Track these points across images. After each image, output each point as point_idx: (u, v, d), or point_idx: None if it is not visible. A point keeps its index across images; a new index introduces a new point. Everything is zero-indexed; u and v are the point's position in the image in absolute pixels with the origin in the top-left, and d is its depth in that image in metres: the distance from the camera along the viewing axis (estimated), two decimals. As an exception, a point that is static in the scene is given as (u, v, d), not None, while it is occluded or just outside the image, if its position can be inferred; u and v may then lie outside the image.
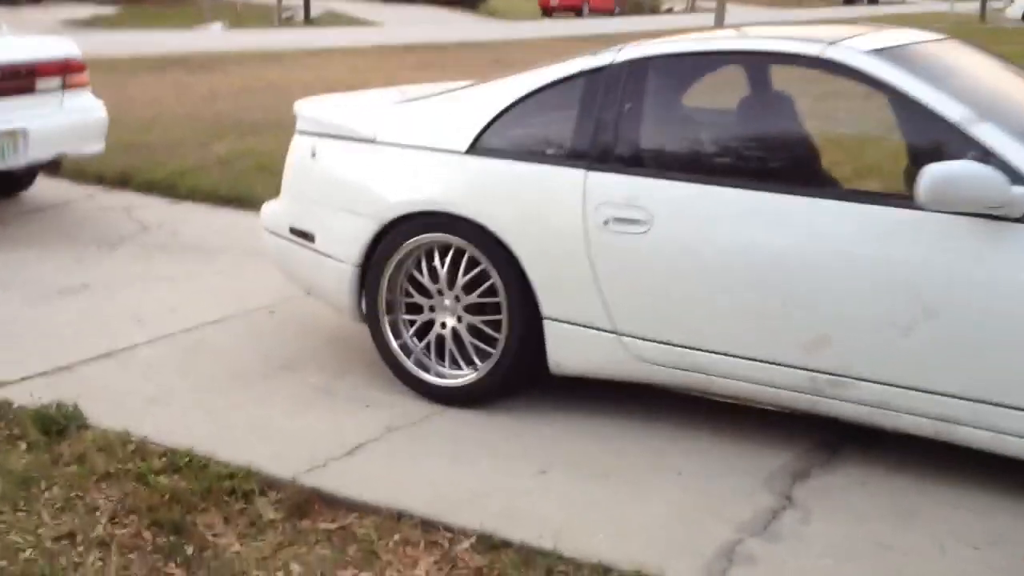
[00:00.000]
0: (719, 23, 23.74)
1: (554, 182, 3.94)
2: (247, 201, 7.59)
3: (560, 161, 3.95)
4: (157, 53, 17.27)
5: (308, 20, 30.05)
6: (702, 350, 3.74)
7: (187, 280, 5.92)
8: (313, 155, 4.49)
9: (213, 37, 23.82)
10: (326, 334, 5.01)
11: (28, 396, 4.23)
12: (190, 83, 13.67)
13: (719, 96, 4.30)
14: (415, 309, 4.31)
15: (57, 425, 3.93)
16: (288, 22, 29.46)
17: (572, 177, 3.89)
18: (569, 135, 3.99)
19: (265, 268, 5.81)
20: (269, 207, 4.77)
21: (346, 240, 4.35)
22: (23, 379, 4.45)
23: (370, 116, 4.45)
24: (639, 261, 3.78)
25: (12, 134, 6.54)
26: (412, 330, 4.32)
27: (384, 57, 18.83)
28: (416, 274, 4.24)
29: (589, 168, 3.87)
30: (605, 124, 3.91)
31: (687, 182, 3.73)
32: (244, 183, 7.93)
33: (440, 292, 4.21)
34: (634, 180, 3.80)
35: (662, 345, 3.81)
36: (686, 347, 3.77)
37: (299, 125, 4.62)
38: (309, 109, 4.63)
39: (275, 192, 7.68)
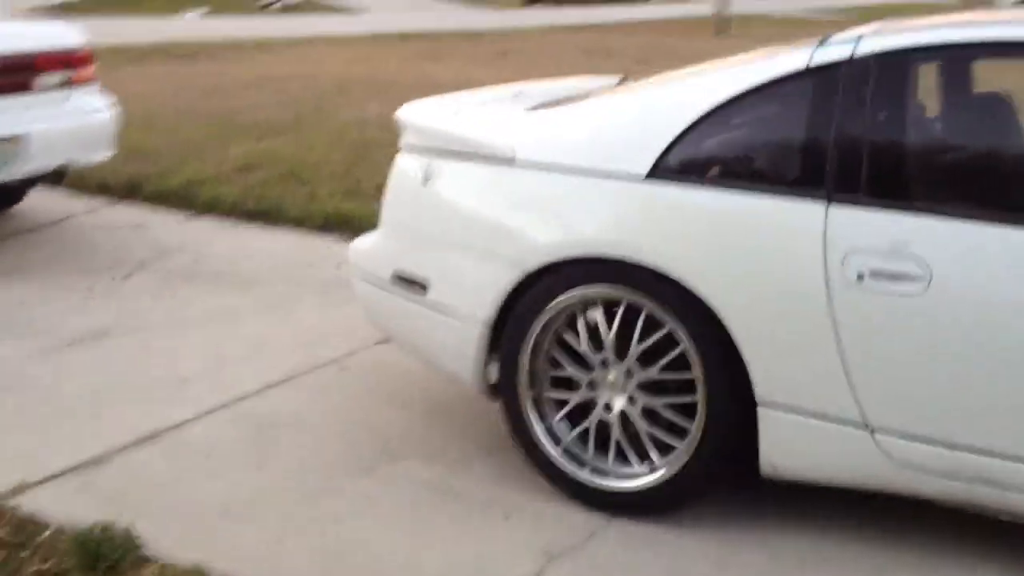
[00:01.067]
0: (722, 8, 22.76)
1: (777, 220, 2.88)
2: (277, 216, 6.53)
3: (784, 191, 2.89)
4: (137, 42, 15.97)
5: (288, 7, 28.79)
6: (1002, 457, 2.69)
7: (227, 322, 4.83)
8: (427, 179, 3.41)
9: (192, 25, 22.55)
10: (421, 403, 3.96)
11: (60, 507, 3.16)
12: (183, 76, 12.49)
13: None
14: (567, 384, 3.25)
15: (107, 558, 2.85)
16: (267, 8, 28.18)
17: (805, 214, 2.83)
18: (795, 156, 2.94)
19: (317, 305, 4.83)
20: (362, 245, 3.69)
21: (473, 291, 3.29)
22: (48, 479, 3.37)
23: (503, 128, 3.37)
24: (910, 331, 2.73)
25: (9, 141, 5.41)
26: (563, 412, 3.25)
27: (380, 46, 17.64)
28: (570, 338, 3.18)
29: (830, 201, 2.80)
30: (850, 141, 2.86)
31: (986, 223, 2.67)
32: (272, 195, 6.83)
33: (605, 363, 3.15)
34: (902, 219, 2.75)
35: (939, 448, 2.76)
36: (976, 452, 2.72)
37: (405, 139, 3.54)
38: (418, 118, 3.55)
39: (308, 205, 6.65)
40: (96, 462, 3.50)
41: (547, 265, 3.16)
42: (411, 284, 3.46)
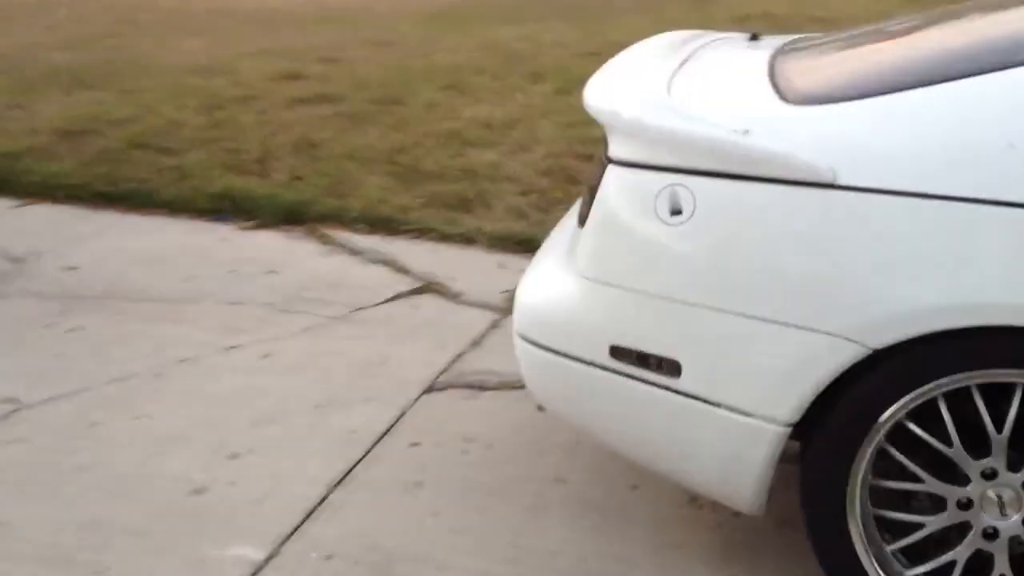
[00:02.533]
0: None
1: None
2: (145, 200, 4.97)
3: None
4: None
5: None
6: None
7: (187, 370, 3.42)
8: (677, 211, 2.14)
9: None
10: (576, 502, 2.73)
11: None
12: None
13: None
14: (917, 503, 2.15)
15: None
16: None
17: None
18: None
19: (290, 333, 3.49)
20: (540, 298, 2.38)
21: (765, 377, 2.11)
22: None
23: (810, 131, 2.13)
24: None
25: None
26: (911, 538, 2.15)
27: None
28: (932, 440, 2.07)
29: None
30: None
31: None
32: (127, 172, 5.19)
33: (989, 474, 2.05)
34: None
35: None
36: None
37: (619, 147, 2.24)
38: (646, 115, 2.24)
39: (182, 184, 5.02)
40: None
41: (907, 341, 2.00)
42: (647, 363, 2.21)
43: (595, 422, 2.37)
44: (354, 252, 4.41)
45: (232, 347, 3.56)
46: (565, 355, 2.31)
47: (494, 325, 3.76)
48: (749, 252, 2.10)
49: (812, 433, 2.13)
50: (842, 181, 2.03)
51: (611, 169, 2.23)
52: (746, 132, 2.11)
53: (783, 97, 2.24)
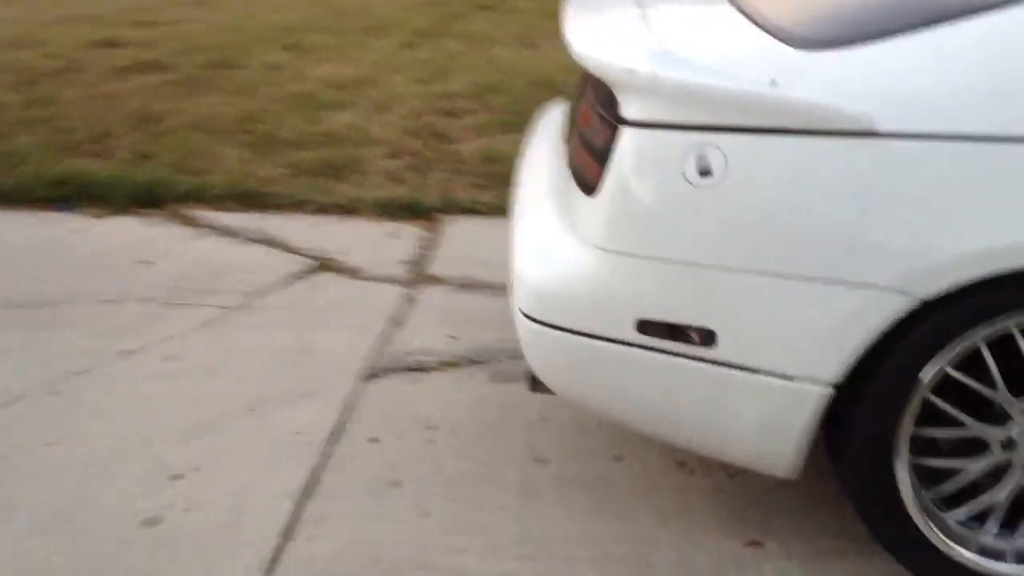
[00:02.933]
0: None
1: None
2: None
3: None
4: None
5: None
6: None
7: (75, 384, 3.06)
8: (706, 172, 2.01)
9: None
10: (553, 483, 2.58)
11: None
12: None
13: None
14: (960, 448, 2.12)
15: None
16: None
17: None
18: None
19: (185, 330, 3.20)
20: (547, 274, 2.20)
21: (808, 338, 2.02)
22: None
23: (835, 77, 2.02)
24: None
25: None
26: (954, 483, 2.13)
27: None
28: (976, 384, 2.04)
29: None
30: None
31: None
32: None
33: (1031, 412, 2.04)
34: None
35: None
36: None
37: (634, 106, 2.06)
38: (662, 66, 2.07)
39: (18, 171, 4.53)
40: None
41: (958, 289, 1.95)
42: (676, 336, 2.08)
43: (617, 401, 2.21)
44: (227, 233, 4.08)
45: (128, 352, 3.21)
46: (583, 334, 2.14)
47: (407, 300, 3.54)
48: (787, 209, 1.98)
49: (859, 389, 2.04)
50: (881, 128, 1.92)
51: (626, 131, 2.05)
52: (773, 83, 1.97)
53: (788, 43, 2.11)
